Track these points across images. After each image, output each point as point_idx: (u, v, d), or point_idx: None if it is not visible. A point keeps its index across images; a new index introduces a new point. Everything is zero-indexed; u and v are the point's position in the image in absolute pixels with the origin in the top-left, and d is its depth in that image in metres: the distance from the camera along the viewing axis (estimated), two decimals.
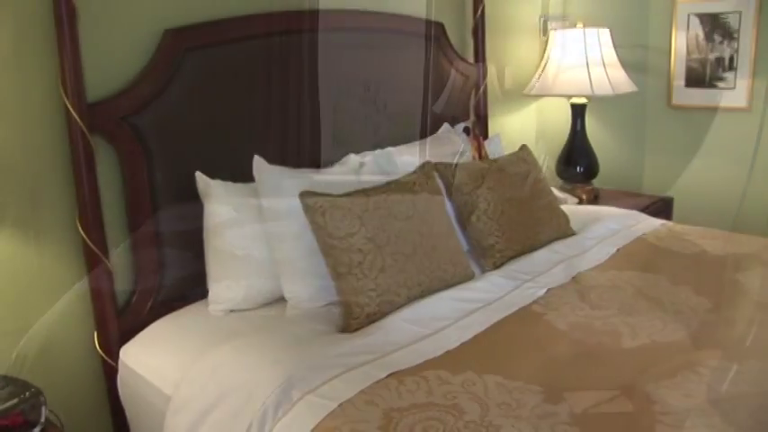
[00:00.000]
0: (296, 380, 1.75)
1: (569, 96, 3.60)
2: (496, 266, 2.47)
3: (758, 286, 2.34)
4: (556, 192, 3.36)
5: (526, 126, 3.74)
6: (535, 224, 2.64)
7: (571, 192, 3.57)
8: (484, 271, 2.46)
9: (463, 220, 2.55)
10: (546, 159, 3.70)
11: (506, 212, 2.55)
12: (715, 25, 4.25)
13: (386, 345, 1.93)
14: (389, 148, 2.71)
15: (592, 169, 3.68)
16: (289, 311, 2.20)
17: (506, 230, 2.52)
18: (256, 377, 1.80)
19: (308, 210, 2.11)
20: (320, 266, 2.15)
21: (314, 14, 2.59)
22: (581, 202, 3.52)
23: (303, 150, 2.57)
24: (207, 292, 2.26)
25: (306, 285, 2.21)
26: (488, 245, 2.49)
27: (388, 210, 2.18)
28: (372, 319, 2.05)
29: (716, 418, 1.56)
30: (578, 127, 3.67)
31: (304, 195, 2.12)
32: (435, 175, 2.50)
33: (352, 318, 2.05)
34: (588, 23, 3.60)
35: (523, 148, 2.92)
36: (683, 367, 1.78)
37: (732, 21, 4.18)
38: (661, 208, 3.79)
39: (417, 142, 2.92)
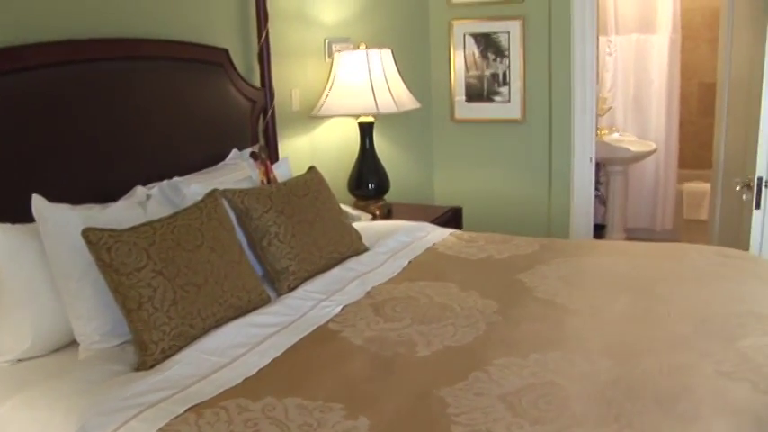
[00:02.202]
0: (90, 427, 1.66)
1: (356, 116, 3.67)
2: (291, 289, 2.47)
3: (539, 284, 2.50)
4: (349, 209, 3.42)
5: (316, 147, 3.78)
6: (327, 244, 2.67)
7: (364, 208, 3.64)
8: (279, 294, 2.45)
9: (255, 246, 2.53)
10: (337, 178, 3.75)
11: (298, 235, 2.56)
12: (488, 44, 4.50)
13: (183, 378, 1.88)
14: (176, 179, 2.65)
15: (383, 185, 3.78)
16: (81, 354, 2.09)
17: (299, 252, 2.53)
18: (48, 431, 1.70)
19: (91, 247, 2.02)
20: (111, 304, 2.06)
21: (97, 43, 2.50)
22: (374, 217, 3.60)
23: (87, 185, 2.46)
24: None
25: (97, 325, 2.10)
26: (282, 268, 2.49)
27: (175, 241, 2.13)
28: (168, 353, 1.99)
29: (504, 412, 1.65)
30: (367, 145, 3.76)
31: (87, 232, 2.03)
32: (223, 202, 2.47)
33: (147, 354, 1.97)
34: (371, 45, 3.70)
35: (312, 169, 2.96)
36: (474, 368, 1.87)
37: (503, 40, 4.44)
38: (452, 218, 3.94)
39: (205, 170, 2.87)
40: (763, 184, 3.60)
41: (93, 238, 2.02)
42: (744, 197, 3.72)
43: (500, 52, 4.52)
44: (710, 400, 1.70)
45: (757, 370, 1.84)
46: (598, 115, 5.79)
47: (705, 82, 6.80)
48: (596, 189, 5.30)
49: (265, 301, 2.34)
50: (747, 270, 2.69)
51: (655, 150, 5.95)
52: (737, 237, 3.91)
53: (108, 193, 2.44)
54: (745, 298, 2.36)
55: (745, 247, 3.71)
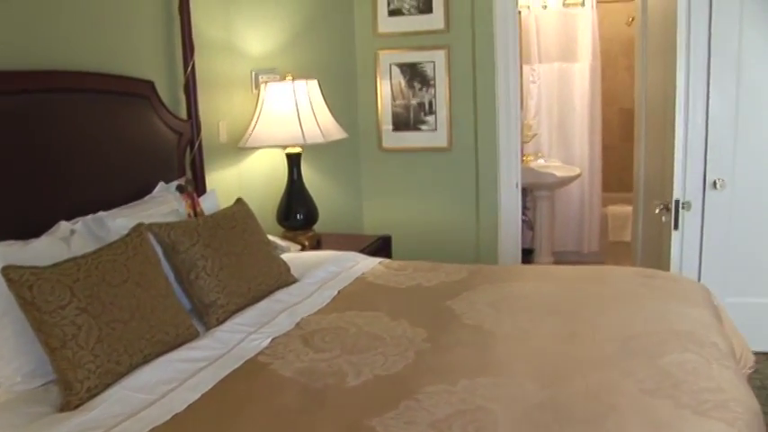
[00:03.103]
0: None
1: (284, 146, 3.68)
2: (220, 322, 2.44)
3: (467, 310, 2.53)
4: (278, 240, 3.41)
5: (245, 179, 3.76)
6: (256, 276, 2.66)
7: (293, 239, 3.63)
8: (208, 328, 2.42)
9: (182, 280, 2.50)
10: (266, 209, 3.74)
11: (226, 267, 2.54)
12: (414, 73, 4.57)
13: (109, 418, 1.84)
14: (101, 213, 2.60)
15: (311, 216, 3.78)
16: (2, 397, 2.03)
17: (227, 285, 2.52)
18: None
19: (12, 285, 1.97)
20: (33, 343, 2.01)
21: (12, 75, 2.44)
22: (304, 248, 3.59)
23: (7, 221, 2.40)
24: None
25: (18, 366, 2.05)
26: (210, 301, 2.47)
27: (100, 277, 2.10)
28: (94, 392, 1.95)
29: None
30: (295, 176, 3.76)
31: (7, 270, 1.98)
32: (149, 236, 2.44)
33: (72, 394, 1.93)
34: (298, 75, 3.71)
35: (239, 201, 2.95)
36: (404, 397, 1.87)
37: (428, 69, 4.51)
38: (381, 246, 3.96)
39: (131, 204, 2.83)
40: (681, 205, 3.73)
41: (14, 275, 1.97)
42: (663, 219, 3.83)
43: (426, 81, 4.58)
44: (635, 419, 1.74)
45: (677, 386, 1.89)
46: (524, 142, 5.91)
47: (625, 108, 6.99)
48: (523, 214, 5.39)
49: (194, 336, 2.31)
50: (667, 289, 2.78)
51: (579, 175, 6.10)
52: (659, 257, 4.02)
53: (30, 229, 2.39)
54: (666, 317, 2.44)
55: (666, 266, 3.82)
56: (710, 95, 4.11)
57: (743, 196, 4.17)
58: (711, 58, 4.07)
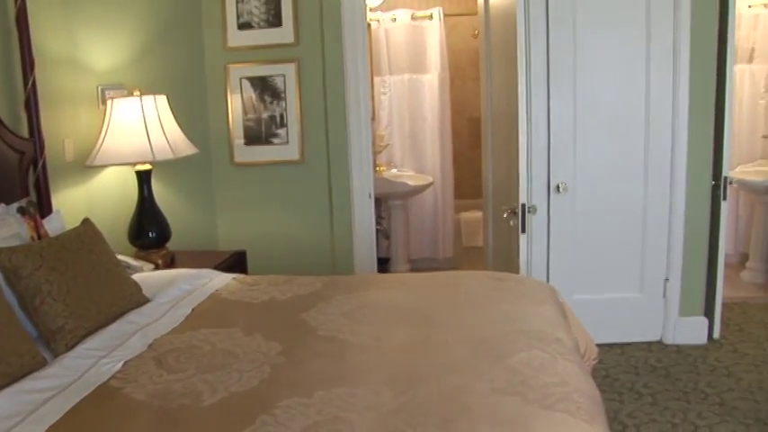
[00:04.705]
0: None
1: (133, 164, 3.60)
2: (69, 348, 2.35)
3: (322, 322, 2.55)
4: (130, 260, 3.33)
5: (94, 198, 3.65)
6: (105, 298, 2.59)
7: (146, 258, 3.56)
8: (56, 355, 2.33)
9: (26, 306, 2.40)
10: (117, 229, 3.65)
11: (73, 291, 2.46)
12: (265, 87, 4.57)
13: None
14: None
15: (164, 233, 3.71)
16: None
17: (75, 309, 2.43)
18: None
19: None
20: None
21: None
22: (157, 267, 3.52)
23: None
24: None
25: None
26: (57, 327, 2.37)
27: None
28: None
29: None
30: (146, 193, 3.68)
31: None
32: None
33: None
34: (146, 91, 3.64)
35: (86, 221, 2.86)
36: (260, 412, 1.87)
37: (279, 82, 4.52)
38: (236, 262, 3.93)
39: None
40: (527, 209, 3.90)
41: None
42: (511, 223, 4.00)
43: (277, 95, 4.59)
44: (487, 417, 1.81)
45: (525, 383, 1.99)
46: (376, 152, 6.01)
47: (474, 117, 7.23)
48: (378, 224, 5.48)
49: (40, 364, 2.22)
50: (517, 291, 2.90)
51: (432, 183, 6.26)
52: (509, 260, 4.18)
53: None
54: (515, 317, 2.55)
55: (517, 269, 3.98)
56: (551, 104, 4.31)
57: (583, 198, 4.40)
58: (550, 69, 4.28)
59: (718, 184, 4.36)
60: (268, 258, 4.53)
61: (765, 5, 6.10)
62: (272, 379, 2.10)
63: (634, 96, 4.34)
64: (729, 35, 4.20)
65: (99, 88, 3.70)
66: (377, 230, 4.98)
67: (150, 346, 2.38)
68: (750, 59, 6.19)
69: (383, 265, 5.98)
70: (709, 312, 4.56)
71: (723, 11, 4.21)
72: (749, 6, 6.10)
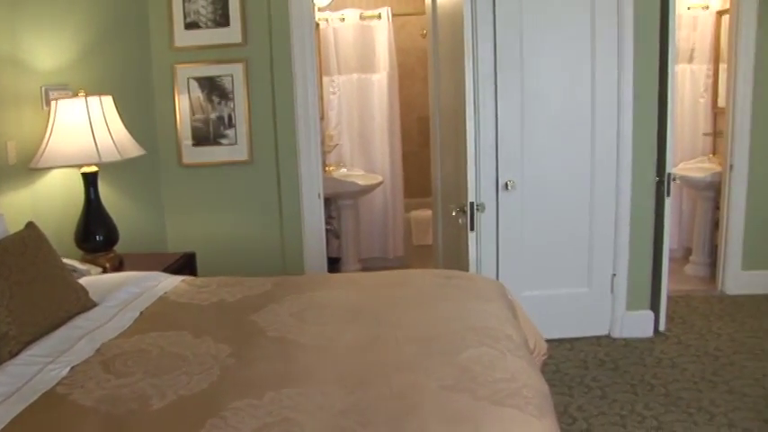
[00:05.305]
0: None
1: (79, 166, 3.54)
2: (13, 355, 2.30)
3: (271, 322, 2.55)
4: (77, 264, 3.28)
5: (39, 201, 3.58)
6: (51, 303, 2.54)
7: (93, 262, 3.50)
8: (0, 363, 2.30)
9: None
10: (64, 232, 3.59)
11: (16, 296, 2.41)
12: (213, 87, 4.54)
13: None
14: None
15: (111, 236, 3.66)
16: None
17: (19, 315, 2.38)
18: None
19: None
20: None
21: None
22: (105, 270, 3.47)
23: None
24: None
25: None
26: (1, 334, 2.32)
27: None
28: None
29: None
30: (92, 195, 3.62)
31: None
32: None
33: None
34: (91, 91, 3.59)
35: (29, 225, 2.80)
36: (210, 415, 1.86)
37: (227, 83, 4.50)
38: (186, 264, 3.90)
39: None
40: (475, 207, 3.93)
41: None
42: (460, 221, 4.02)
43: (225, 95, 4.56)
44: (436, 415, 1.83)
45: (475, 379, 2.01)
46: (325, 152, 6.01)
47: (423, 116, 7.24)
48: (329, 224, 5.48)
49: None
50: (466, 288, 2.92)
51: (381, 182, 6.28)
52: (459, 258, 4.21)
53: None
54: (464, 315, 2.57)
55: (466, 267, 4.01)
56: (498, 103, 4.37)
57: (531, 196, 4.46)
58: (498, 68, 4.33)
59: (662, 181, 4.46)
60: (218, 260, 4.50)
61: (704, 7, 6.25)
62: (222, 381, 2.09)
63: (580, 95, 4.41)
64: (671, 36, 4.29)
65: (43, 89, 3.63)
66: (327, 230, 4.98)
67: (98, 350, 2.35)
68: (690, 59, 6.34)
69: (334, 264, 5.99)
70: (654, 306, 4.66)
71: (664, 12, 4.31)
72: (688, 8, 6.24)
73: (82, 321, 2.59)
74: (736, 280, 5.38)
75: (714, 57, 6.27)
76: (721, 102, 6.01)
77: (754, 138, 5.17)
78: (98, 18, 4.13)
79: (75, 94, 3.58)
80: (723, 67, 5.82)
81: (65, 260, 2.98)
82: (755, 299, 5.25)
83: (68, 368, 2.21)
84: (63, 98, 3.53)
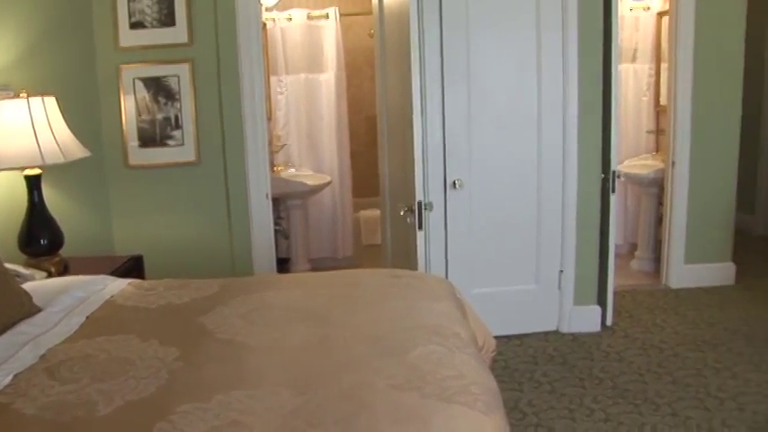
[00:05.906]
0: None
1: (21, 168, 3.48)
2: None
3: (219, 324, 2.53)
4: (20, 269, 3.23)
5: None
6: None
7: (37, 266, 3.44)
8: None
9: None
10: (6, 237, 3.52)
11: None
12: (159, 88, 4.49)
13: None
14: None
15: (56, 240, 3.60)
16: None
17: None
18: None
19: None
20: None
21: None
22: (50, 275, 3.41)
23: None
24: None
25: None
26: None
27: None
28: None
29: None
30: (36, 199, 3.56)
31: None
32: None
33: None
34: (33, 92, 3.52)
35: None
36: (158, 419, 1.84)
37: (173, 83, 4.46)
38: (133, 267, 3.85)
39: None
40: (423, 206, 3.96)
41: None
42: (408, 220, 4.05)
43: (171, 96, 4.52)
44: (386, 414, 1.83)
45: (423, 378, 2.02)
46: (273, 152, 5.99)
47: (371, 115, 7.28)
48: (277, 224, 5.46)
49: None
50: (414, 287, 2.93)
51: (330, 182, 6.28)
52: (408, 257, 4.24)
53: None
54: (413, 314, 2.58)
55: (415, 266, 4.04)
56: (446, 102, 4.40)
57: (479, 194, 4.51)
58: (444, 67, 4.36)
59: (607, 178, 4.54)
60: (166, 262, 4.45)
61: (645, 9, 6.38)
62: (170, 385, 2.07)
63: (526, 94, 4.47)
64: (614, 36, 4.37)
65: None
66: (276, 231, 4.97)
67: (42, 357, 2.30)
68: (633, 59, 6.47)
69: (283, 265, 5.97)
70: (601, 301, 4.74)
71: (607, 12, 4.38)
72: (630, 9, 6.36)
73: (26, 327, 2.54)
74: (680, 274, 5.50)
75: (656, 56, 6.41)
76: (663, 100, 6.14)
77: (695, 135, 5.30)
78: (40, 17, 4.06)
79: (17, 95, 3.51)
80: (664, 66, 5.94)
81: (8, 265, 2.93)
82: (697, 292, 5.38)
83: (11, 376, 2.16)
84: (4, 99, 3.46)
